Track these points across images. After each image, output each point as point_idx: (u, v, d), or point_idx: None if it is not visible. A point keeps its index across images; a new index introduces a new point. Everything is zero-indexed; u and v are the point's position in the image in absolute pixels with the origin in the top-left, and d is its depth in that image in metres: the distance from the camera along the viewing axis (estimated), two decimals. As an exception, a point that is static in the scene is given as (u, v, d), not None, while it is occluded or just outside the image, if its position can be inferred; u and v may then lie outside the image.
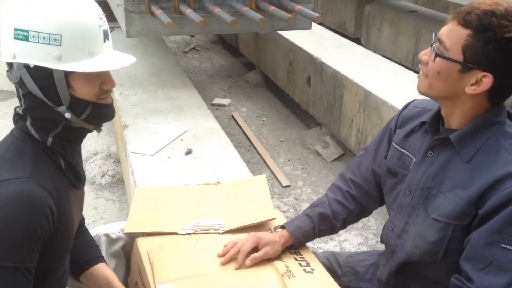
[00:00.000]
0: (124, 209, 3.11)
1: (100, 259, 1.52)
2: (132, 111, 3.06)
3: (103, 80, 1.20)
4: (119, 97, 3.28)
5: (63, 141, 1.22)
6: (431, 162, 1.32)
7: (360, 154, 1.61)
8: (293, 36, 4.38)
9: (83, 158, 1.44)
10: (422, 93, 1.29)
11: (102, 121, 1.27)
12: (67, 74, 1.14)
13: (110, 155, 3.58)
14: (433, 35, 1.24)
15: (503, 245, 1.16)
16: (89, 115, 1.20)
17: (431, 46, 1.24)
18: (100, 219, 3.01)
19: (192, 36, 6.80)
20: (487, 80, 1.16)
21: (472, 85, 1.19)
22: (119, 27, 3.48)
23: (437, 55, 1.21)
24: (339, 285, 1.42)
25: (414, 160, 1.38)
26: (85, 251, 1.51)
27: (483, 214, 1.19)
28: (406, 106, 1.51)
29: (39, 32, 1.09)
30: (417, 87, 1.29)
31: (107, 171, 3.45)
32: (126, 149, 2.60)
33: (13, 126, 1.24)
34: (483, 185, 1.19)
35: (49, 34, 1.10)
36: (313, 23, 3.61)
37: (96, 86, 1.19)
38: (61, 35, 1.10)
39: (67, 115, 1.17)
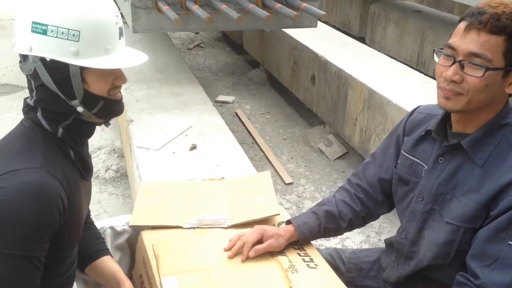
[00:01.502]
0: (127, 203, 3.12)
1: (106, 251, 1.54)
2: (138, 106, 3.07)
3: (115, 76, 1.22)
4: (124, 92, 3.28)
5: (73, 133, 1.24)
6: (442, 168, 1.33)
7: (367, 161, 1.61)
8: (298, 34, 4.38)
9: (87, 153, 1.45)
10: (456, 111, 1.26)
11: (112, 116, 1.29)
12: (82, 69, 1.15)
13: (114, 149, 3.60)
14: (446, 51, 1.22)
15: (509, 242, 1.17)
16: (100, 110, 1.22)
17: (456, 64, 1.20)
18: (103, 213, 3.02)
19: (196, 33, 6.81)
20: None
21: (510, 84, 1.21)
22: (125, 22, 3.49)
23: (487, 69, 1.17)
24: (343, 281, 1.43)
25: (426, 167, 1.39)
26: (91, 244, 1.52)
27: (494, 216, 1.20)
28: (411, 113, 1.51)
29: (58, 27, 1.10)
30: (444, 105, 1.25)
31: (111, 165, 3.46)
32: (131, 143, 2.61)
33: (18, 119, 1.25)
34: (494, 188, 1.21)
35: (68, 29, 1.11)
36: (318, 22, 3.61)
37: (109, 81, 1.20)
38: (79, 31, 1.11)
39: (80, 109, 1.19)
